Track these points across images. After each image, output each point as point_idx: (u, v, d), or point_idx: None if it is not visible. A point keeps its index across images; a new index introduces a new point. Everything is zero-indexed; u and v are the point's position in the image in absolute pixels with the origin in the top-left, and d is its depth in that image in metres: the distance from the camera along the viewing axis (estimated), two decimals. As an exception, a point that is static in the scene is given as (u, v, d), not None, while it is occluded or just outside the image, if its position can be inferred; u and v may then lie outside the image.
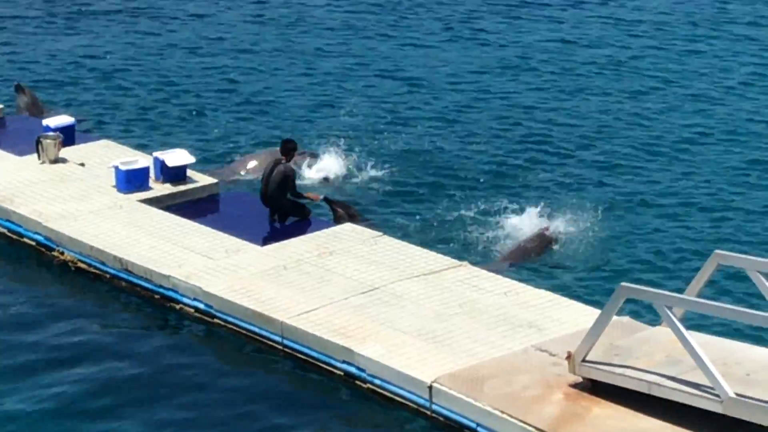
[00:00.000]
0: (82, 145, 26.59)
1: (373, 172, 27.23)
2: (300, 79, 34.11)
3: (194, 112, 31.10)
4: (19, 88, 28.96)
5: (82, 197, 24.20)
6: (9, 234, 23.87)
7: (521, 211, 25.14)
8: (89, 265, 22.45)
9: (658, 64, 35.98)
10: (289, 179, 23.48)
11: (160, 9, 40.82)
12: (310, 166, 26.84)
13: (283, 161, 23.66)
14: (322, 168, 26.79)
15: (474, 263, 21.99)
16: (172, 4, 41.28)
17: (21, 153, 26.14)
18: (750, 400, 16.10)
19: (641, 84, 34.26)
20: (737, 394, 16.13)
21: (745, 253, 20.84)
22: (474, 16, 40.48)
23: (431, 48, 37.17)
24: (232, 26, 39.23)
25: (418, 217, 25.15)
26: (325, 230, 23.14)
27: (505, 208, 25.33)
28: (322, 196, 24.33)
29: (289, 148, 23.77)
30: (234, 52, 36.35)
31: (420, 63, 35.86)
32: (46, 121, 26.75)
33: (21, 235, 23.63)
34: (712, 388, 16.28)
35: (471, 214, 25.26)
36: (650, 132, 30.65)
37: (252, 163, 26.84)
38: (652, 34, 38.87)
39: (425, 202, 26.04)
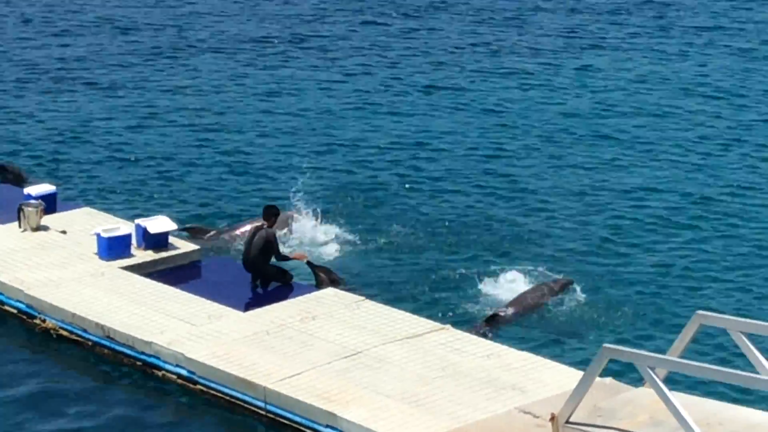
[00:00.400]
0: (63, 213, 26.63)
1: (351, 236, 27.25)
2: (280, 140, 34.37)
3: (175, 178, 31.24)
4: (2, 169, 28.90)
5: (64, 264, 24.20)
6: (-11, 302, 23.81)
7: (502, 274, 25.21)
8: (71, 332, 22.39)
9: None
10: (272, 244, 23.55)
11: (142, 80, 41.01)
12: (291, 229, 26.91)
13: (265, 226, 23.72)
14: (299, 231, 26.88)
15: (456, 326, 22.01)
16: (153, 74, 41.41)
17: (2, 221, 26.12)
18: (734, 460, 16.21)
19: (621, 153, 34.27)
20: (725, 459, 16.25)
21: (728, 312, 21.15)
22: (452, 79, 40.71)
23: (409, 114, 37.13)
24: (210, 93, 39.42)
25: (399, 280, 25.21)
26: (307, 295, 23.18)
27: (487, 271, 25.38)
28: (306, 257, 24.43)
29: (270, 214, 23.85)
30: (212, 115, 36.63)
31: (396, 128, 35.87)
32: (27, 190, 26.87)
33: (2, 303, 23.61)
34: (696, 450, 16.33)
35: (452, 276, 25.30)
36: (630, 200, 30.62)
37: (237, 232, 26.86)
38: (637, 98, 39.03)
39: (406, 266, 26.06)
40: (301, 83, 40.22)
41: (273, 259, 23.69)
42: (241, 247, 25.20)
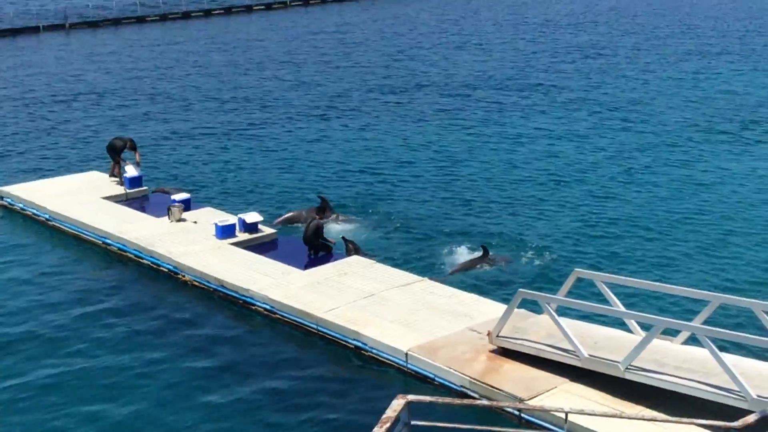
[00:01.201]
0: (195, 211, 26.65)
1: (367, 224, 27.02)
2: (334, 156, 33.57)
3: (260, 187, 30.87)
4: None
5: (195, 242, 24.41)
6: (151, 265, 23.99)
7: (464, 246, 25.04)
8: (200, 283, 22.74)
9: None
10: (319, 229, 23.82)
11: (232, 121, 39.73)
12: (337, 222, 26.58)
13: (317, 218, 24.06)
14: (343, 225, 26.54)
15: (430, 278, 22.19)
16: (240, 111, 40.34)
17: (158, 216, 26.36)
18: (597, 358, 16.87)
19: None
20: (590, 355, 16.96)
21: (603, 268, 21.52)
22: (461, 108, 39.38)
23: (418, 133, 36.10)
24: (281, 107, 38.18)
25: (396, 250, 25.09)
26: (340, 260, 23.33)
27: (454, 247, 25.14)
28: (336, 240, 24.22)
29: (322, 207, 24.04)
30: (283, 144, 35.71)
31: (407, 144, 35.14)
32: (173, 196, 27.02)
33: (158, 265, 23.81)
34: (573, 351, 17.06)
35: (429, 248, 25.19)
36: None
37: (300, 215, 26.62)
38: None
39: (401, 241, 25.85)
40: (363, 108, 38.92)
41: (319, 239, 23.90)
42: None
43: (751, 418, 10.12)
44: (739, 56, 52.60)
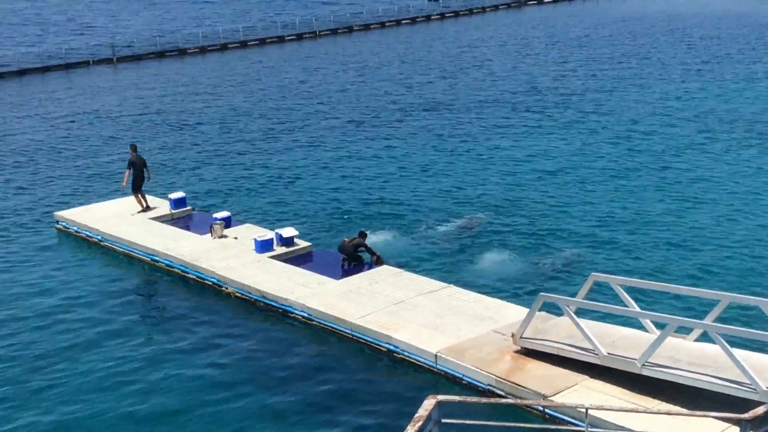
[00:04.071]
0: (235, 227, 26.79)
1: (397, 235, 27.01)
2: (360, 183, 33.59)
3: (294, 204, 30.92)
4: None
5: (237, 256, 24.50)
6: (197, 279, 24.11)
7: (485, 255, 24.96)
8: (242, 294, 22.84)
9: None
10: (363, 245, 23.77)
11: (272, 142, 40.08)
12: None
13: (356, 239, 24.00)
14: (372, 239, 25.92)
15: (455, 285, 22.12)
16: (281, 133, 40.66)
17: (201, 233, 26.50)
18: (615, 356, 16.85)
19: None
20: (608, 353, 16.93)
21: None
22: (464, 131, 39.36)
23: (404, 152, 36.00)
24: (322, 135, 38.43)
25: (423, 259, 25.09)
26: (371, 270, 23.37)
27: (474, 255, 25.17)
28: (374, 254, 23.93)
29: (362, 234, 24.06)
30: (313, 167, 35.79)
31: (428, 157, 34.78)
32: (215, 215, 27.13)
33: (203, 279, 23.94)
34: (592, 349, 17.06)
35: (452, 257, 25.14)
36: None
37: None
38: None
39: (427, 252, 25.78)
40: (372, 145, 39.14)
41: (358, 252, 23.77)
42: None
43: (761, 410, 10.05)
44: (733, 74, 52.29)
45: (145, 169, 28.43)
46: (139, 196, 28.72)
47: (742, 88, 46.46)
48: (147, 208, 28.75)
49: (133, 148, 28.79)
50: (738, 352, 15.58)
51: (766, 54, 55.49)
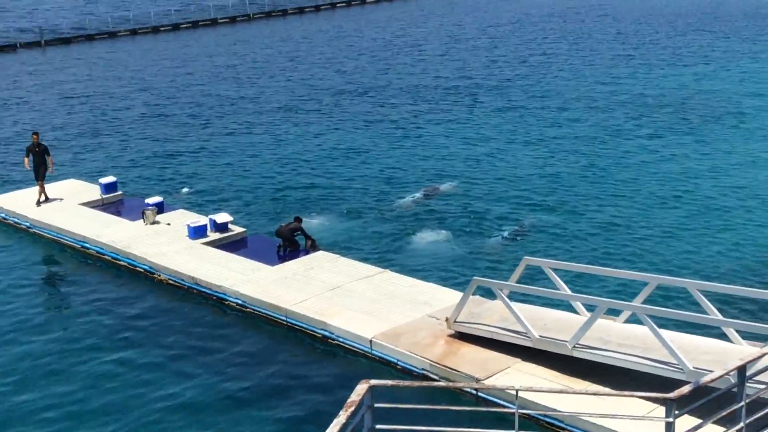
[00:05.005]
0: (168, 213, 26.54)
1: (333, 221, 27.06)
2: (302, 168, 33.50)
3: (230, 190, 30.64)
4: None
5: (169, 243, 24.29)
6: (128, 266, 23.81)
7: (416, 236, 25.22)
8: (175, 282, 22.65)
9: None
10: (299, 229, 23.69)
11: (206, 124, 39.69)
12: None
13: (292, 224, 23.88)
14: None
15: (390, 270, 22.26)
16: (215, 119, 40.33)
17: (133, 219, 26.13)
18: (547, 339, 17.08)
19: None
20: (540, 336, 17.14)
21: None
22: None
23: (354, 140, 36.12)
24: (263, 135, 38.22)
25: (359, 245, 25.16)
26: (307, 256, 23.29)
27: (407, 239, 25.32)
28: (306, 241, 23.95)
29: (297, 219, 23.98)
30: (251, 151, 35.59)
31: (364, 143, 34.85)
32: (147, 200, 26.80)
33: (135, 266, 23.67)
34: (525, 332, 17.26)
35: (386, 242, 25.28)
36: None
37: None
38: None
39: (362, 237, 25.88)
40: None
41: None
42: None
43: (686, 389, 10.27)
44: (672, 57, 53.15)
45: (47, 158, 27.47)
46: (41, 185, 27.77)
47: (670, 73, 47.22)
48: (45, 200, 27.71)
49: (35, 135, 27.86)
50: (666, 333, 15.89)
51: (694, 40, 56.46)
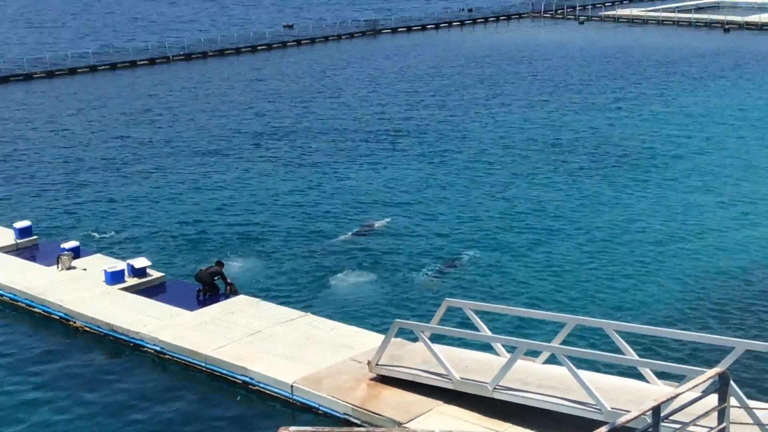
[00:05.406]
0: (85, 258, 26.20)
1: (253, 265, 26.89)
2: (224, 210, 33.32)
3: (146, 236, 30.28)
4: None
5: (86, 289, 23.95)
6: (43, 313, 23.40)
7: (334, 279, 25.21)
8: (91, 328, 22.27)
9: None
10: (219, 273, 23.61)
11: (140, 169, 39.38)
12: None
13: (213, 267, 23.81)
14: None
15: (313, 314, 22.21)
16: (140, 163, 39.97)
17: (48, 264, 25.72)
18: (468, 381, 17.20)
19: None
20: (461, 378, 17.23)
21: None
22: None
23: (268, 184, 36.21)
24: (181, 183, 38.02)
25: (280, 288, 25.08)
26: (227, 300, 23.15)
27: (327, 283, 25.33)
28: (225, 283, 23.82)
29: (218, 263, 23.86)
30: (172, 196, 35.25)
31: (281, 187, 34.92)
32: (63, 245, 26.40)
33: (50, 313, 23.25)
34: (446, 374, 17.35)
35: (309, 285, 25.22)
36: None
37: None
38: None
39: (283, 281, 25.83)
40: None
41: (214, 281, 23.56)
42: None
43: (603, 430, 10.43)
44: (582, 99, 54.39)
45: None
46: None
47: (584, 118, 48.26)
48: None
49: None
50: (584, 374, 16.13)
51: (606, 85, 57.85)
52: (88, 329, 22.22)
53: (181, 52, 77.03)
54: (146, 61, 74.42)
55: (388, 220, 31.16)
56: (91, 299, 23.14)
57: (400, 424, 16.57)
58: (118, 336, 21.63)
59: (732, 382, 14.22)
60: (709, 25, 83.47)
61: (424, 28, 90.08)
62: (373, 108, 52.74)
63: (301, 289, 24.88)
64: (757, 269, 25.83)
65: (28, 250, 27.41)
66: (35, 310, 23.46)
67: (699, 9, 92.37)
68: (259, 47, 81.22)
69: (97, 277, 24.47)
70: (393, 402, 17.36)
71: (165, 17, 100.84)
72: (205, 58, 77.47)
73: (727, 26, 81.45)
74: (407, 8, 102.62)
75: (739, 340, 16.53)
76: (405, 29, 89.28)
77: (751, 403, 14.83)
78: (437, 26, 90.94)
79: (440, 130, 46.40)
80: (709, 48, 70.73)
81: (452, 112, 50.72)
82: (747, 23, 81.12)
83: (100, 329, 22.02)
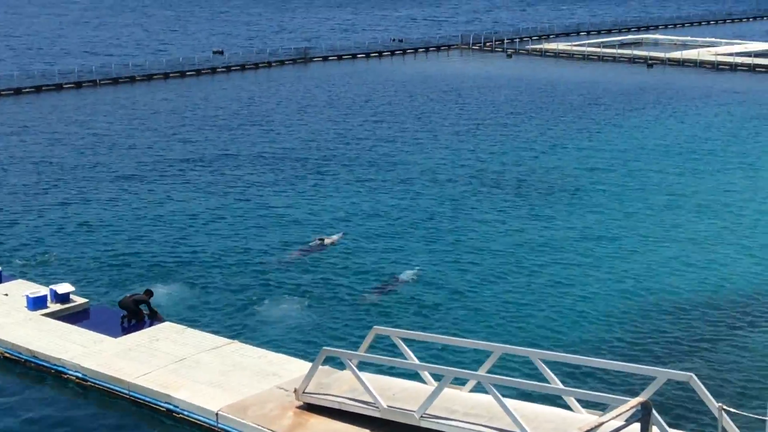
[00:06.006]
0: (6, 283, 25.79)
1: (182, 293, 26.62)
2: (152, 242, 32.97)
3: (73, 260, 29.82)
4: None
5: (7, 314, 23.52)
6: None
7: (264, 308, 25.17)
8: (12, 355, 21.82)
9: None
10: (145, 301, 23.44)
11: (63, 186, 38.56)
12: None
13: (139, 295, 23.62)
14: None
15: (240, 341, 22.08)
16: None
17: None
18: (395, 409, 17.25)
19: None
20: (389, 406, 17.27)
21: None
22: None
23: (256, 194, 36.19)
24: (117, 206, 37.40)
25: (206, 316, 24.88)
26: (152, 327, 22.91)
27: (255, 310, 25.22)
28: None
29: (147, 292, 23.61)
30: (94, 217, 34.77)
31: (210, 210, 34.80)
32: None
33: None
34: (373, 403, 17.39)
35: (236, 312, 25.06)
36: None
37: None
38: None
39: (209, 308, 25.65)
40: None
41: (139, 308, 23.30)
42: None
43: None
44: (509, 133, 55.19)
45: None
46: None
47: (510, 149, 48.89)
48: None
49: None
50: (510, 402, 16.31)
51: (532, 118, 58.82)
52: (8, 355, 21.76)
53: (108, 77, 76.14)
54: (72, 85, 73.37)
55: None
56: (12, 325, 22.70)
57: (326, 452, 16.47)
58: (40, 362, 21.23)
59: (654, 411, 14.63)
60: (633, 60, 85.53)
61: (354, 57, 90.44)
62: (302, 135, 52.77)
63: (229, 316, 24.70)
64: (680, 299, 26.40)
65: (-55, 275, 26.75)
66: (-48, 336, 22.79)
67: (623, 45, 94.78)
68: (187, 73, 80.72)
69: (19, 303, 24.05)
70: (320, 430, 17.33)
71: (91, 41, 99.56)
72: (132, 82, 76.69)
73: (650, 62, 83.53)
74: (338, 37, 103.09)
75: (661, 369, 16.89)
76: (336, 57, 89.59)
77: None
78: (368, 55, 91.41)
79: (369, 158, 46.63)
80: (632, 82, 72.40)
81: (381, 141, 51.00)
82: (669, 59, 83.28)
83: (21, 355, 21.60)
